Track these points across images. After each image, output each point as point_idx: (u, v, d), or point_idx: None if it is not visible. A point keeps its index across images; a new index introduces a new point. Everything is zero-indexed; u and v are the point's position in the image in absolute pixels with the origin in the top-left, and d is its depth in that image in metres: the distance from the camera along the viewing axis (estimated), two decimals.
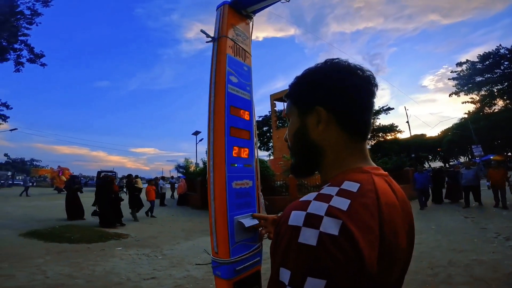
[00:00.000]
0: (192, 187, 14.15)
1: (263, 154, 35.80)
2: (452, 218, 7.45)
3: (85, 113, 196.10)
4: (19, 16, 14.47)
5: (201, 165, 17.02)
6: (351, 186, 0.48)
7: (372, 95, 0.58)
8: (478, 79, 33.88)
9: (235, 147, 1.10)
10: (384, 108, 34.32)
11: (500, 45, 31.85)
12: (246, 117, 1.19)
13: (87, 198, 9.91)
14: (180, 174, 17.83)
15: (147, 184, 12.43)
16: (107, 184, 8.51)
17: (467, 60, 34.96)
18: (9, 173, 34.98)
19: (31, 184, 20.81)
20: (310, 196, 0.48)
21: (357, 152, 0.57)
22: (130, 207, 9.26)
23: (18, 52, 15.33)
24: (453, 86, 36.56)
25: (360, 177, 0.51)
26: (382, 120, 37.04)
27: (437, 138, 40.53)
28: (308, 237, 0.41)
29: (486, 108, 34.94)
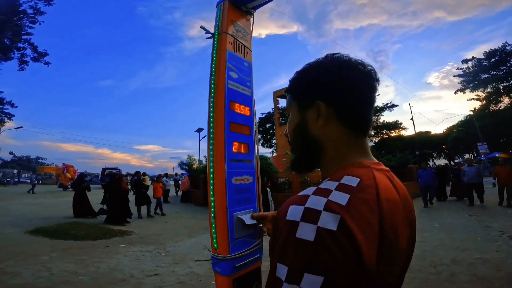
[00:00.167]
0: (195, 184, 14.20)
1: (266, 151, 35.90)
2: (456, 216, 7.39)
3: (90, 111, 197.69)
4: (22, 15, 14.57)
5: (204, 162, 17.09)
6: (351, 180, 0.47)
7: (373, 90, 0.57)
8: (484, 76, 33.42)
9: (235, 143, 1.10)
10: (388, 105, 34.06)
11: (506, 42, 31.39)
12: (247, 112, 1.18)
13: (93, 195, 9.97)
14: (183, 171, 17.89)
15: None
16: (115, 182, 8.57)
17: (473, 57, 34.47)
18: (15, 171, 35.35)
19: (36, 181, 21.04)
20: (309, 190, 0.47)
21: (357, 147, 0.57)
22: (136, 204, 9.30)
23: (22, 51, 15.47)
24: (458, 83, 36.09)
25: (361, 172, 0.50)
26: (386, 117, 36.82)
27: (442, 136, 40.10)
28: (306, 232, 0.40)
29: (492, 105, 34.48)
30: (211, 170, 1.05)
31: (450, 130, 38.99)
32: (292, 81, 0.62)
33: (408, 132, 35.62)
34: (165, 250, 5.28)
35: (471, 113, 35.98)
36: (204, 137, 25.21)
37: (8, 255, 4.52)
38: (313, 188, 0.47)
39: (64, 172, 23.34)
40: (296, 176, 9.89)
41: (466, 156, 35.51)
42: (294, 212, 0.43)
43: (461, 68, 35.57)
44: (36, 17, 14.94)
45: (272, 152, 32.83)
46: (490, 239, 4.98)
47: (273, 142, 34.49)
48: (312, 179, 9.60)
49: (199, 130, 25.26)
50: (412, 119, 29.23)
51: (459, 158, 36.72)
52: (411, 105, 28.72)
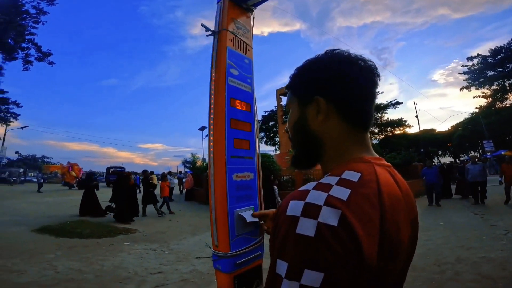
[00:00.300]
0: (199, 182, 14.24)
1: (269, 149, 35.89)
2: (461, 215, 7.33)
3: (94, 110, 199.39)
4: (25, 16, 14.69)
5: (207, 160, 17.07)
6: (352, 175, 0.47)
7: (373, 85, 0.56)
8: (490, 73, 32.99)
9: (235, 139, 1.09)
10: (393, 102, 33.79)
11: None
12: (247, 109, 1.18)
13: (100, 194, 10.03)
14: (187, 170, 17.96)
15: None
16: (123, 180, 8.63)
17: (478, 54, 34.06)
18: (21, 170, 35.72)
19: (43, 180, 21.26)
20: (310, 185, 0.46)
21: (358, 143, 0.56)
22: (142, 202, 9.36)
23: (26, 51, 15.60)
24: (464, 80, 35.68)
25: (361, 167, 0.50)
26: (391, 114, 36.50)
27: (447, 133, 39.71)
28: (306, 227, 0.40)
29: (498, 102, 34.05)
30: (212, 166, 1.05)
31: (456, 127, 38.61)
32: (292, 77, 0.62)
33: (413, 129, 35.24)
34: (169, 248, 5.31)
35: (477, 110, 35.64)
36: (207, 136, 25.27)
37: (14, 253, 4.58)
38: (314, 183, 0.46)
39: (69, 171, 23.55)
40: (299, 173, 9.88)
41: (472, 154, 35.16)
42: (294, 207, 0.43)
43: (466, 65, 35.18)
44: (39, 17, 15.06)
45: (276, 150, 32.83)
46: (495, 238, 4.93)
47: (276, 140, 34.49)
48: (316, 176, 9.58)
49: (202, 128, 25.30)
50: (416, 116, 29.05)
51: (464, 156, 36.32)
52: (415, 103, 28.42)
